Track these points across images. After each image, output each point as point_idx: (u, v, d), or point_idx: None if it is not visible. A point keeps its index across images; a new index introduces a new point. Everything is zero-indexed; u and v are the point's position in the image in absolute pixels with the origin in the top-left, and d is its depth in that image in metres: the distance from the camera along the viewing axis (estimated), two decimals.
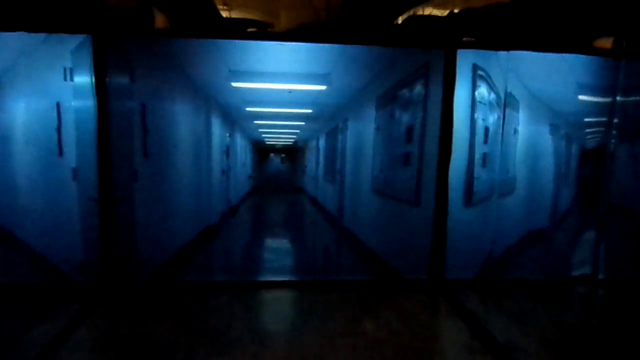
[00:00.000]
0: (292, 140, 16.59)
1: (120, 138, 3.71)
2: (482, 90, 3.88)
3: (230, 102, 7.09)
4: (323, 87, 5.74)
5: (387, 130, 5.06)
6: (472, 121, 3.88)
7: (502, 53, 3.68)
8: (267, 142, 17.50)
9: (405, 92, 4.57)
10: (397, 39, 3.47)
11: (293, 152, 18.71)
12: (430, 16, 4.07)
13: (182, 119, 5.42)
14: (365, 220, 5.86)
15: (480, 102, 3.82)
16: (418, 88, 4.23)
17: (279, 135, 14.05)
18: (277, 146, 18.70)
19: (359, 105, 6.32)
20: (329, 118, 8.54)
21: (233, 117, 8.87)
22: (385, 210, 5.13)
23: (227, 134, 8.43)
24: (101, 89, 3.36)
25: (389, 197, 4.94)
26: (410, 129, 4.39)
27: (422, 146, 4.16)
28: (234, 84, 5.54)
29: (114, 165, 3.53)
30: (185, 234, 5.45)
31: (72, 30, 3.23)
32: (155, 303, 3.36)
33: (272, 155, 19.21)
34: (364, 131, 6.04)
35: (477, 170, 3.87)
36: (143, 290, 3.70)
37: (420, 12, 4.22)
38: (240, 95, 6.43)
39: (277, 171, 18.91)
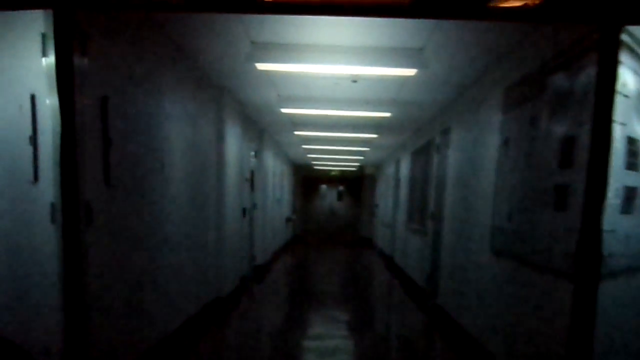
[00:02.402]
0: (356, 164, 15.13)
1: None
2: (625, 75, 2.97)
3: (255, 99, 6.27)
4: (412, 72, 4.57)
5: (523, 146, 4.04)
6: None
7: None
8: (317, 167, 16.11)
9: (559, 78, 3.56)
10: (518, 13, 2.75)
11: (357, 183, 17.29)
12: None
13: (173, 124, 4.44)
14: (476, 298, 4.85)
15: (621, 94, 2.90)
16: (586, 71, 3.18)
17: (335, 156, 13.10)
18: (332, 173, 17.35)
19: (471, 105, 5.39)
20: (418, 127, 7.95)
21: (261, 125, 8.43)
22: (513, 283, 4.11)
23: (252, 153, 7.80)
24: (64, 77, 2.60)
25: (522, 261, 3.98)
26: (569, 144, 3.40)
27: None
28: (261, 66, 4.53)
29: None
30: (179, 309, 4.59)
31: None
32: None
33: (323, 187, 17.76)
34: (479, 148, 5.07)
35: (613, 219, 2.92)
36: None
37: None
38: (273, 87, 5.64)
39: (331, 212, 17.59)
